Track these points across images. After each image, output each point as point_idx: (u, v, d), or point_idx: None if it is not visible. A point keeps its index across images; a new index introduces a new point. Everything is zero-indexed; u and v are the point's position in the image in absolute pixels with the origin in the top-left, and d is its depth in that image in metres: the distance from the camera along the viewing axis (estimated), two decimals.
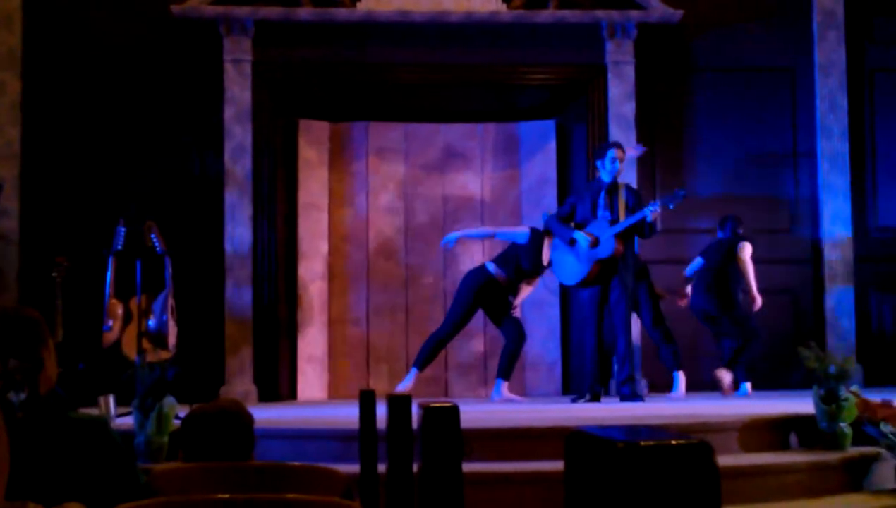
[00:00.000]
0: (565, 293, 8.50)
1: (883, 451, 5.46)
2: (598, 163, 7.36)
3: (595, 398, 7.31)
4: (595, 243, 7.20)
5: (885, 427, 5.38)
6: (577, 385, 8.22)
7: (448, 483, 2.01)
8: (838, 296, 8.42)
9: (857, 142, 8.63)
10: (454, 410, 2.06)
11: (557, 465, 4.93)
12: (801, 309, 8.55)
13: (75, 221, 8.06)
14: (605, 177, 7.30)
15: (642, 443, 0.91)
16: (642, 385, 7.83)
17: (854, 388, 5.69)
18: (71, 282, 7.09)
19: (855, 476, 5.47)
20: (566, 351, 8.68)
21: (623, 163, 7.30)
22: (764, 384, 8.12)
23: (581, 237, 7.23)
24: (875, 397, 5.84)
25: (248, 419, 2.93)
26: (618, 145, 7.41)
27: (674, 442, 0.92)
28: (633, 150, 7.86)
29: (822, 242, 8.50)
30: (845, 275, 8.45)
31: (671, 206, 7.18)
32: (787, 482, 5.24)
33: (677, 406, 6.81)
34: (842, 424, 5.63)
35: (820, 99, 8.56)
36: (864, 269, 8.58)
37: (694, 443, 0.92)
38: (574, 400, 7.44)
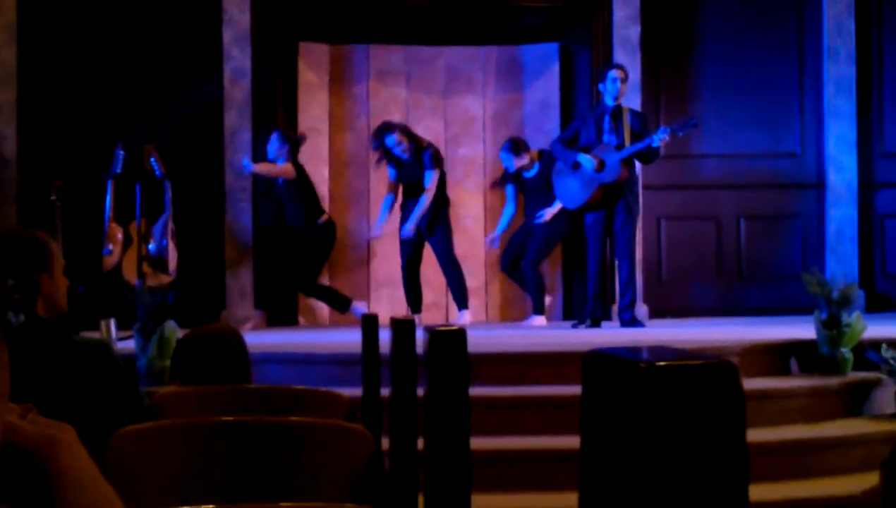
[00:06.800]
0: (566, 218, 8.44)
1: (883, 376, 5.47)
2: (601, 87, 7.31)
3: (596, 323, 7.31)
4: (600, 166, 7.14)
5: (887, 353, 5.38)
6: (577, 310, 8.21)
7: (455, 407, 1.99)
8: (841, 222, 8.38)
9: (864, 65, 8.52)
10: (461, 334, 2.03)
11: (561, 389, 4.97)
12: (806, 234, 8.51)
13: (74, 145, 7.98)
14: (608, 100, 7.23)
15: (665, 363, 0.89)
16: (643, 310, 7.84)
17: None
18: (70, 206, 7.04)
19: (855, 401, 5.49)
20: (567, 277, 8.67)
21: (625, 84, 7.22)
22: (768, 309, 8.15)
23: (586, 160, 7.18)
24: (877, 323, 5.85)
25: (241, 341, 2.93)
26: (619, 66, 7.35)
27: (698, 362, 0.89)
28: None
29: (826, 167, 8.44)
30: (849, 200, 8.40)
31: (681, 134, 7.10)
32: (787, 406, 5.27)
33: (678, 331, 6.82)
34: (843, 349, 5.64)
35: (827, 21, 8.42)
36: (868, 195, 8.53)
37: (718, 363, 0.89)
38: (575, 326, 7.44)
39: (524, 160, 7.88)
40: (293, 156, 7.66)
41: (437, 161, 7.68)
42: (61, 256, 2.75)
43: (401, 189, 7.90)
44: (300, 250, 7.76)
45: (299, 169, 7.71)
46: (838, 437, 4.98)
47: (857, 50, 8.43)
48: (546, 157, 7.82)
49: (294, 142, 7.72)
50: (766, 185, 8.47)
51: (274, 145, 7.68)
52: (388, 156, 7.79)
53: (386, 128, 7.76)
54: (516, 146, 7.90)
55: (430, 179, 7.66)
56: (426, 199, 7.64)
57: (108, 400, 2.51)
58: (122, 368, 2.60)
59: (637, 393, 0.86)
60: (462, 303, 7.80)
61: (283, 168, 7.65)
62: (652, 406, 0.85)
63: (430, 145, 7.78)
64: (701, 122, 7.96)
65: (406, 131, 7.71)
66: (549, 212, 7.72)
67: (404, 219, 7.81)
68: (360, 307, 7.74)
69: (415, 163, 7.71)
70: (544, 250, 7.87)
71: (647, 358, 0.89)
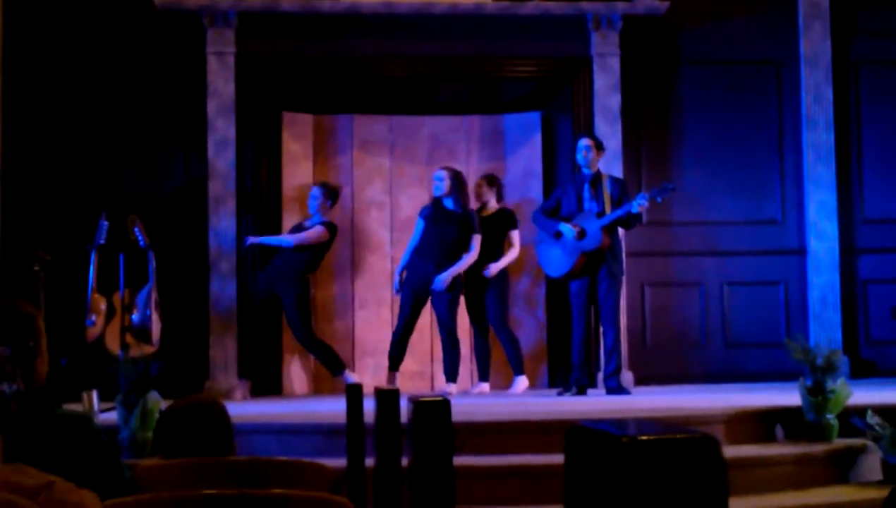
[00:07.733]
0: (551, 286, 8.47)
1: (869, 443, 5.47)
2: (576, 158, 7.45)
3: (581, 391, 7.30)
4: (581, 235, 7.19)
5: (872, 419, 5.38)
6: (562, 377, 8.20)
7: (440, 477, 1.98)
8: (824, 288, 8.43)
9: (842, 133, 8.63)
10: (445, 404, 2.03)
11: (546, 458, 4.94)
12: (788, 301, 8.55)
13: (57, 215, 7.98)
14: (584, 169, 7.35)
15: (645, 437, 0.89)
16: (628, 377, 7.83)
17: None
18: (53, 277, 7.02)
19: (841, 468, 5.48)
20: (552, 344, 8.66)
21: (597, 151, 7.33)
22: (753, 375, 8.15)
23: (566, 229, 7.23)
24: (862, 389, 5.86)
25: (224, 413, 2.91)
26: (588, 135, 7.50)
27: (679, 436, 0.89)
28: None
29: (807, 234, 8.51)
30: (831, 267, 8.45)
31: (659, 199, 7.16)
32: (773, 474, 5.25)
33: (663, 399, 6.80)
34: (828, 416, 5.63)
35: (805, 91, 8.55)
36: (850, 261, 8.58)
37: (699, 437, 0.90)
38: (560, 394, 7.42)
39: (492, 195, 7.96)
40: (332, 207, 7.87)
41: (481, 227, 7.77)
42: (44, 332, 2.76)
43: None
44: (284, 313, 7.81)
45: (333, 228, 7.82)
46: (825, 505, 4.96)
47: (835, 118, 8.55)
48: (502, 215, 7.91)
49: (336, 195, 7.83)
50: (748, 252, 8.53)
51: (317, 200, 7.80)
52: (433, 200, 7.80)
53: (444, 166, 7.85)
54: (492, 178, 8.04)
55: (477, 242, 7.69)
56: (468, 260, 7.66)
57: (90, 474, 2.49)
58: (103, 441, 2.58)
59: (619, 467, 0.86)
60: (451, 377, 7.73)
61: (320, 234, 7.78)
62: (634, 479, 0.85)
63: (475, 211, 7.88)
64: (683, 190, 8.04)
65: (456, 178, 7.71)
66: (494, 267, 7.75)
67: (420, 263, 7.70)
68: (350, 376, 7.71)
69: (454, 219, 7.68)
70: (505, 305, 7.88)
71: (628, 432, 0.89)
